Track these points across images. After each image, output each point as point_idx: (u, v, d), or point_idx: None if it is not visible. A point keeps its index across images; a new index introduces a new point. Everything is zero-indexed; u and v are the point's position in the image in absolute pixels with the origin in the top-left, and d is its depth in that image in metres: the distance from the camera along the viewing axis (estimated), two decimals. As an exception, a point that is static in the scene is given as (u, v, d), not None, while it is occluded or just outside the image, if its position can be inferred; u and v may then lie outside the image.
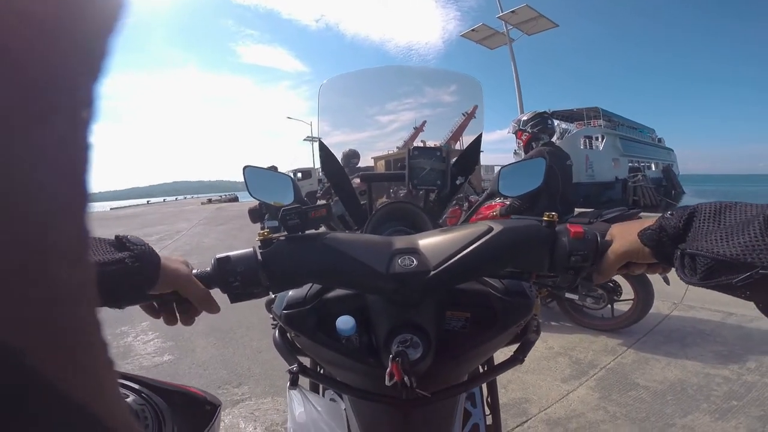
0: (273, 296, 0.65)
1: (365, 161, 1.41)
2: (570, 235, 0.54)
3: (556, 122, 26.02)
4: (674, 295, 3.26)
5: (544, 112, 3.09)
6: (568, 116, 28.78)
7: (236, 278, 0.52)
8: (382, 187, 1.31)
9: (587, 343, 2.60)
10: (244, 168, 0.74)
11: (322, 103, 1.00)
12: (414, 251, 0.55)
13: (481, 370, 0.83)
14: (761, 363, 2.20)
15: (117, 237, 0.47)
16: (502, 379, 2.15)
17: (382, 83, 1.18)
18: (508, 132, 3.24)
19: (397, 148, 1.29)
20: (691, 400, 1.92)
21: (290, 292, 0.62)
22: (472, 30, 17.74)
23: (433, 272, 0.52)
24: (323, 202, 0.61)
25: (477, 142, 0.96)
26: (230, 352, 2.74)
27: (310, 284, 0.62)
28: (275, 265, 0.53)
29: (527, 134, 3.00)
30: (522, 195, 2.96)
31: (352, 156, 1.38)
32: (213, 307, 0.54)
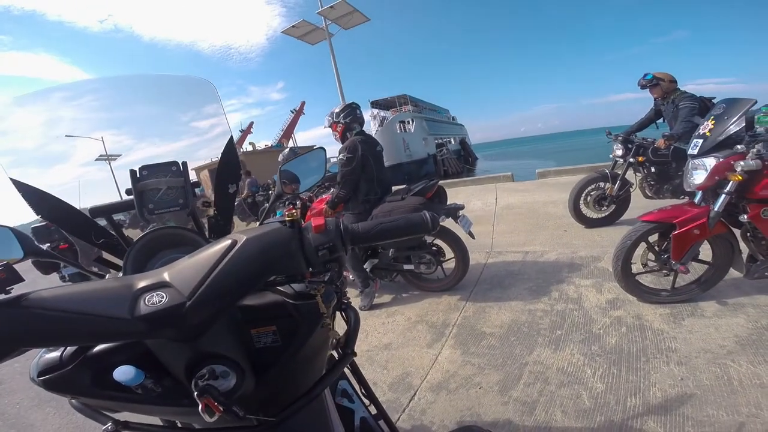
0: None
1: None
2: (312, 231, 0.56)
3: (375, 111, 28.11)
4: (485, 245, 3.96)
5: (353, 103, 3.29)
6: (385, 104, 31.51)
7: None
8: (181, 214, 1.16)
9: (435, 305, 2.92)
10: None
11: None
12: (161, 285, 0.49)
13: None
14: (561, 291, 2.74)
15: None
16: (379, 360, 2.27)
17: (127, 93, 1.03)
18: (324, 127, 3.35)
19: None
20: (528, 337, 2.24)
21: (43, 356, 0.54)
22: (293, 26, 17.46)
23: (189, 302, 0.47)
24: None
25: (231, 145, 0.91)
26: (81, 418, 2.14)
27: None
28: None
29: (341, 125, 3.17)
30: (342, 184, 3.06)
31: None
32: None
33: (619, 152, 3.93)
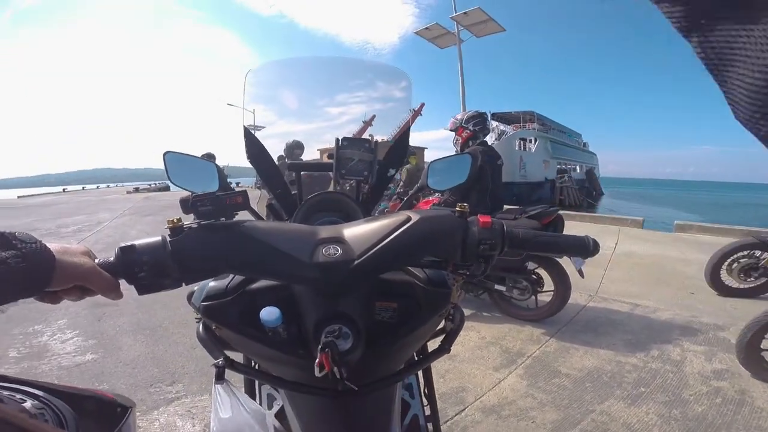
0: (194, 288, 0.62)
1: (312, 153, 1.39)
2: (479, 225, 0.57)
3: (494, 124, 27.28)
4: (590, 287, 3.61)
5: (484, 113, 3.26)
6: (506, 118, 30.38)
7: (142, 268, 0.48)
8: (325, 179, 1.31)
9: (515, 332, 2.78)
10: (165, 153, 0.71)
11: (253, 90, 0.97)
12: (339, 240, 0.55)
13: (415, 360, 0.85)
14: (663, 351, 2.48)
15: (1, 234, 0.42)
16: (439, 368, 2.25)
17: (322, 73, 1.16)
18: (448, 129, 3.37)
19: None
20: (606, 386, 2.09)
21: (210, 283, 0.60)
22: (426, 28, 18.06)
23: (357, 261, 0.52)
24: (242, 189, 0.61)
25: (405, 137, 0.98)
26: (161, 350, 2.60)
27: (232, 275, 0.60)
28: (186, 254, 0.50)
29: (468, 132, 3.16)
30: (452, 190, 3.04)
31: (296, 147, 1.35)
32: (118, 296, 0.51)
33: None
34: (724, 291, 3.49)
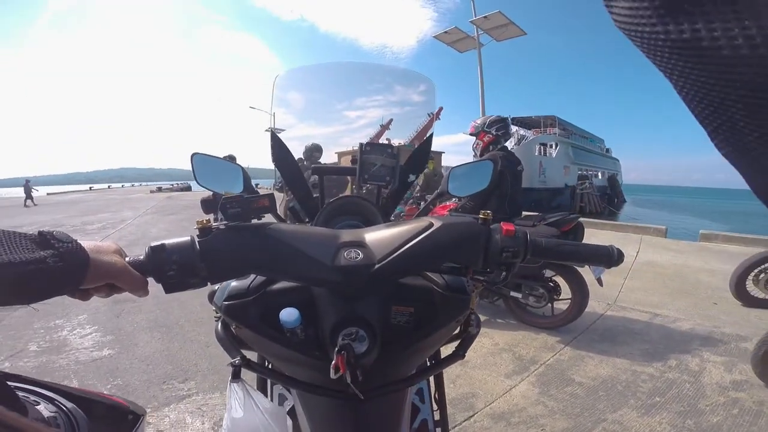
0: (215, 287, 0.63)
1: (330, 156, 1.41)
2: (502, 233, 0.57)
3: (514, 128, 26.90)
4: (609, 296, 3.53)
5: (506, 118, 3.22)
6: (526, 123, 29.92)
7: (171, 267, 0.49)
8: (341, 182, 1.31)
9: (529, 340, 2.74)
10: (193, 155, 0.73)
11: (279, 94, 0.99)
12: (360, 244, 0.55)
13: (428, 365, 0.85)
14: (681, 361, 2.42)
15: (41, 233, 0.43)
16: (450, 374, 2.22)
17: (343, 78, 1.17)
18: (468, 133, 3.32)
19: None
20: (620, 396, 2.06)
21: (232, 283, 0.61)
22: (445, 32, 18.04)
23: (377, 265, 0.52)
24: (267, 192, 0.61)
25: (428, 142, 0.99)
26: (176, 347, 2.65)
27: (253, 275, 0.61)
28: (214, 254, 0.50)
29: (490, 136, 3.12)
30: (471, 195, 3.04)
31: (315, 150, 1.37)
32: (145, 294, 0.52)
33: None
34: (750, 302, 3.37)
